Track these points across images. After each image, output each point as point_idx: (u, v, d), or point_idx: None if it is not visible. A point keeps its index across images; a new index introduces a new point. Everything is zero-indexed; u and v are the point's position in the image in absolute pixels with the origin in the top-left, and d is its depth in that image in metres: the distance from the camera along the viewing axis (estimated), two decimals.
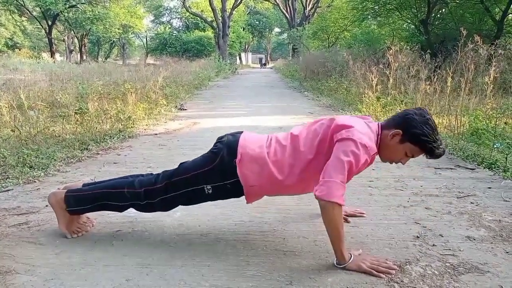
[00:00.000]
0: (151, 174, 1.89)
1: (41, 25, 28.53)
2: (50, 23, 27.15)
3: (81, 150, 3.66)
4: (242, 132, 1.80)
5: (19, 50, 28.86)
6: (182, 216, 2.14)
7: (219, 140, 1.78)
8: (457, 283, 1.47)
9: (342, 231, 1.54)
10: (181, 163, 1.83)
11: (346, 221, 2.00)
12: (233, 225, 2.03)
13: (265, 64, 41.95)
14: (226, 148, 1.70)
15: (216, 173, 1.69)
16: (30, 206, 2.28)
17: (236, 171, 1.65)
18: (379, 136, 1.67)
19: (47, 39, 28.50)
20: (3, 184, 2.66)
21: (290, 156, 1.66)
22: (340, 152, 1.53)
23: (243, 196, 1.74)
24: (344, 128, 1.59)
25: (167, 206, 1.83)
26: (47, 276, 1.53)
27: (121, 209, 1.86)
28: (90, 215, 2.00)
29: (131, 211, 2.15)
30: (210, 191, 1.71)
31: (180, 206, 2.23)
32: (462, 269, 1.58)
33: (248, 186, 1.68)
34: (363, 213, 2.13)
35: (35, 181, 2.76)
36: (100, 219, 2.07)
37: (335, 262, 1.59)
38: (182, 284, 1.48)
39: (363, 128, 1.62)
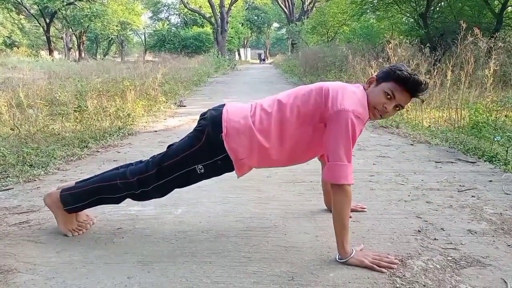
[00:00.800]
0: (141, 161, 1.84)
1: (39, 23, 28.42)
2: (48, 21, 27.03)
3: (80, 148, 3.65)
4: (224, 104, 1.75)
5: (17, 48, 28.74)
6: (183, 213, 2.13)
7: (202, 116, 1.74)
8: (459, 277, 1.47)
9: (347, 216, 1.54)
10: (169, 146, 1.80)
11: None
12: (234, 221, 2.02)
13: (264, 60, 41.83)
14: (211, 124, 1.66)
15: (205, 151, 1.66)
16: (30, 204, 2.28)
17: (224, 146, 1.62)
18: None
19: (45, 37, 28.41)
20: (3, 183, 2.66)
21: (276, 123, 1.62)
22: (337, 128, 1.52)
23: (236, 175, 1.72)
24: (335, 98, 1.55)
25: (162, 191, 1.80)
26: (48, 274, 1.53)
27: (117, 201, 1.85)
28: (90, 213, 2.00)
29: (132, 208, 2.16)
30: (202, 171, 1.69)
31: (181, 203, 2.25)
32: (464, 262, 1.57)
33: (238, 160, 1.65)
34: (364, 208, 2.13)
35: (35, 180, 2.75)
36: (101, 217, 2.07)
37: (337, 258, 1.59)
38: (183, 281, 1.47)
39: (353, 95, 1.60)
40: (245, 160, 1.66)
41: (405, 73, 1.56)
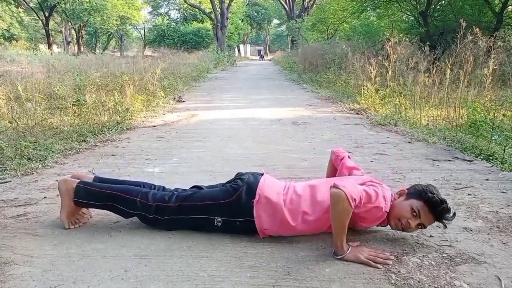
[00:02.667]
0: (164, 189, 1.92)
1: (38, 16, 28.27)
2: (47, 14, 26.89)
3: (79, 142, 3.65)
4: (262, 174, 1.85)
5: (16, 41, 28.63)
6: None
7: (239, 176, 1.83)
8: (453, 274, 1.48)
9: (346, 224, 1.55)
10: (194, 186, 1.90)
11: None
12: None
13: (263, 56, 41.74)
14: (246, 187, 1.74)
15: (231, 208, 1.73)
16: (28, 197, 2.28)
17: (251, 211, 1.69)
18: (391, 203, 1.71)
19: (44, 31, 28.28)
20: (1, 176, 2.66)
21: (305, 206, 1.70)
22: (368, 186, 1.67)
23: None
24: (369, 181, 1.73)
25: (172, 226, 1.83)
26: (46, 267, 1.53)
27: (126, 215, 1.87)
28: None
29: None
30: (219, 224, 1.75)
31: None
32: (459, 259, 1.59)
33: (262, 229, 1.72)
34: None
35: (33, 173, 2.75)
36: (98, 210, 2.07)
37: (333, 253, 1.60)
38: (180, 275, 1.48)
39: (384, 187, 1.73)
40: (268, 231, 1.73)
41: (437, 198, 1.62)
